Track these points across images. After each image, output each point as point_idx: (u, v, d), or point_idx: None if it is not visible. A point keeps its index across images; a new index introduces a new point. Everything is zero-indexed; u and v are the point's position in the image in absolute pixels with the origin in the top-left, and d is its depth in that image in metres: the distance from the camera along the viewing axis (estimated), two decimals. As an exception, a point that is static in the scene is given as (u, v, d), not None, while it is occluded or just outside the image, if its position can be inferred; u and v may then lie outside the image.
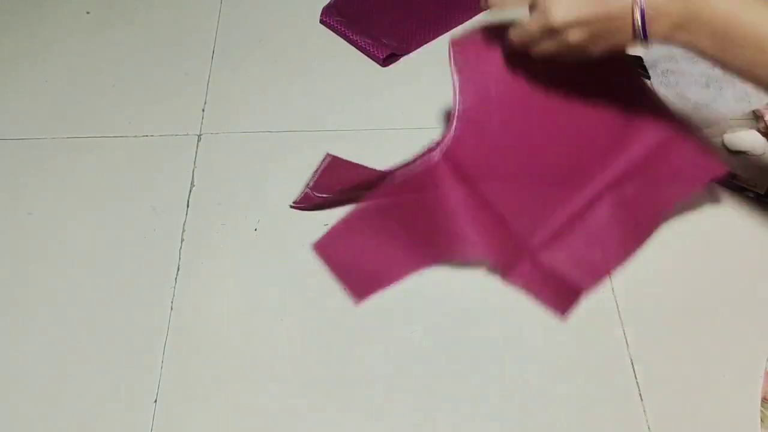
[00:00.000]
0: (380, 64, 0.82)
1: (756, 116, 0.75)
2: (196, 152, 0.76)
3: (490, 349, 0.61)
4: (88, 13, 0.91)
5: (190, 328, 0.63)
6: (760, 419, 0.56)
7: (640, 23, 0.52)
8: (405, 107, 0.78)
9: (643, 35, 0.53)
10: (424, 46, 0.84)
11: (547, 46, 0.57)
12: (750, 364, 0.59)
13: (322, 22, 0.87)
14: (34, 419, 0.59)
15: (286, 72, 0.83)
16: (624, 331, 0.61)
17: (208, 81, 0.82)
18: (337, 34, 0.86)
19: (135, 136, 0.77)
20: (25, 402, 0.60)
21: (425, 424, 0.57)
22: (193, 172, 0.74)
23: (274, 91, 0.81)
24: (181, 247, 0.68)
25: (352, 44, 0.85)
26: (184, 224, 0.70)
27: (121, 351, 0.62)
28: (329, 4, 0.88)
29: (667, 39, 0.53)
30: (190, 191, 0.72)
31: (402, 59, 0.83)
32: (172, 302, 0.65)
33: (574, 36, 0.54)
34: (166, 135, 0.77)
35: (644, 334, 0.61)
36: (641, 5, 0.52)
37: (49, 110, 0.80)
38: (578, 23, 0.53)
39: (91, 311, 0.64)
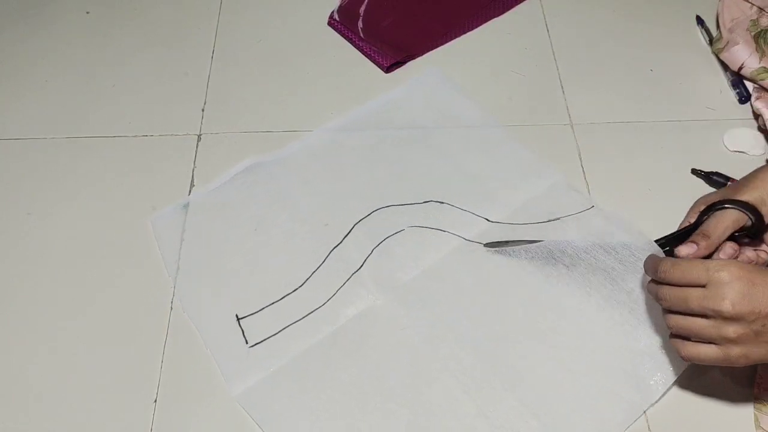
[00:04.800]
0: (383, 71, 0.82)
1: (755, 115, 0.75)
2: (196, 152, 0.76)
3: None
4: (88, 13, 0.91)
5: (190, 328, 0.63)
6: (754, 419, 0.56)
7: None
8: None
9: None
10: (427, 53, 0.84)
11: (699, 327, 0.50)
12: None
13: (330, 24, 0.87)
14: (34, 419, 0.59)
15: (286, 72, 0.83)
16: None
17: (208, 81, 0.82)
18: (343, 37, 0.86)
19: (135, 136, 0.77)
20: (25, 402, 0.60)
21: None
22: (193, 172, 0.74)
23: (274, 91, 0.81)
24: (180, 247, 0.68)
25: (356, 48, 0.85)
26: (183, 224, 0.70)
27: (121, 351, 0.62)
28: (340, 6, 0.88)
29: None
30: (190, 191, 0.72)
31: (405, 64, 0.83)
32: (172, 302, 0.65)
33: (735, 329, 0.48)
34: (166, 135, 0.77)
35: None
36: None
37: (49, 110, 0.80)
38: (748, 317, 0.47)
39: (91, 311, 0.64)
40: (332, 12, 0.88)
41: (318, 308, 0.63)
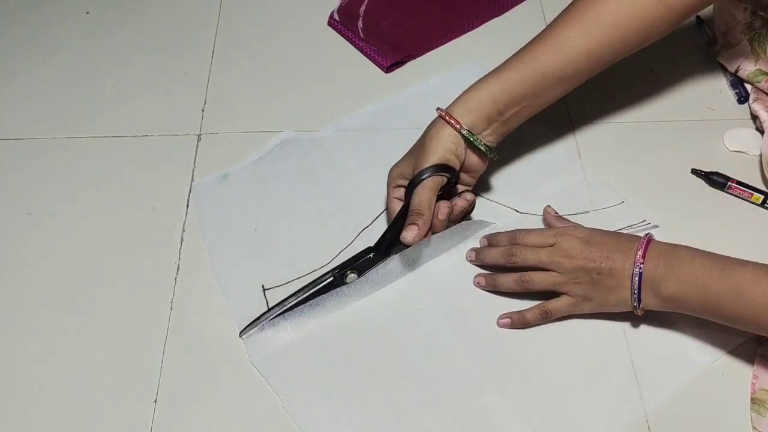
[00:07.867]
0: (383, 71, 0.82)
1: (753, 117, 0.75)
2: (196, 152, 0.76)
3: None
4: (88, 13, 0.91)
5: (190, 328, 0.63)
6: (750, 419, 0.56)
7: (636, 289, 0.56)
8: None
9: (637, 302, 0.57)
10: (427, 52, 0.84)
11: (554, 278, 0.60)
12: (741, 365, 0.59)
13: (330, 24, 0.87)
14: (34, 419, 0.59)
15: (286, 72, 0.83)
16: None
17: (208, 81, 0.82)
18: (343, 37, 0.86)
19: (135, 136, 0.78)
20: (25, 401, 0.60)
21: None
22: (193, 172, 0.74)
23: (274, 91, 0.81)
24: (181, 247, 0.68)
25: (356, 48, 0.85)
26: (184, 224, 0.70)
27: (121, 351, 0.62)
28: (340, 6, 0.88)
29: (661, 308, 0.58)
30: (190, 191, 0.72)
31: (405, 64, 0.83)
32: (172, 302, 0.65)
33: (580, 277, 0.58)
34: (165, 135, 0.78)
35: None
36: (638, 274, 0.56)
37: (49, 110, 0.80)
38: (586, 265, 0.58)
39: (91, 311, 0.64)
40: (332, 12, 0.88)
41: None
